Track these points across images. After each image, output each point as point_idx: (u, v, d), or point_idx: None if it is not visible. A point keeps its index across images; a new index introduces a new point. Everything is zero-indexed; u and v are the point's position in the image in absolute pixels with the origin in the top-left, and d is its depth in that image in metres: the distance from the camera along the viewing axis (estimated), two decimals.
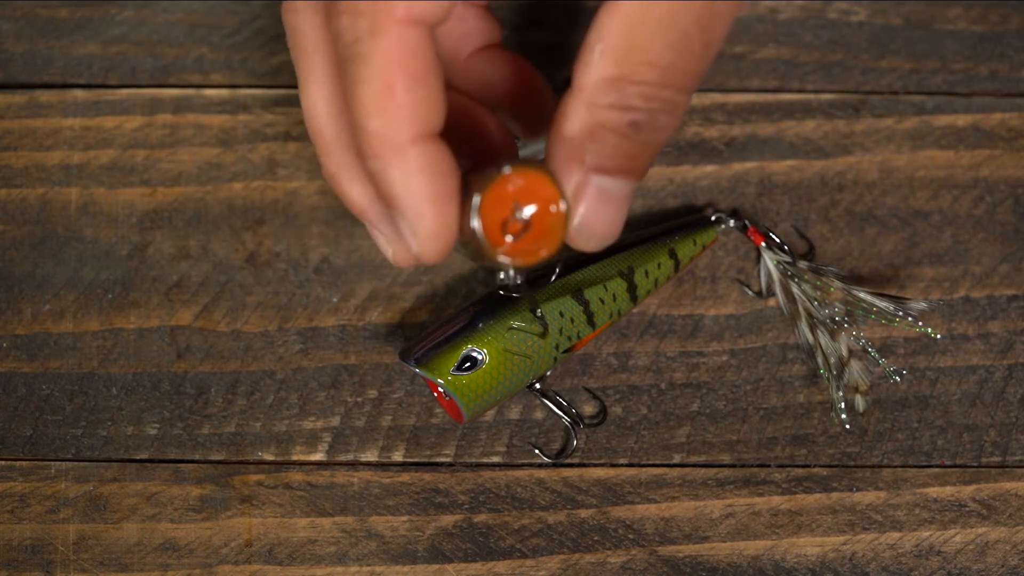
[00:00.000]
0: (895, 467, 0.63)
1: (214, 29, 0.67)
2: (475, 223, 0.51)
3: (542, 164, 0.52)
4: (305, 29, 0.53)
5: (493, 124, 0.57)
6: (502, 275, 0.56)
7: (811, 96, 0.66)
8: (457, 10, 0.58)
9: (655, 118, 0.52)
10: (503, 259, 0.52)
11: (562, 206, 0.52)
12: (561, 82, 0.66)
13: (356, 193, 0.54)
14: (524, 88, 0.59)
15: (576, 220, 0.53)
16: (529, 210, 0.51)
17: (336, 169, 0.54)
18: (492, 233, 0.51)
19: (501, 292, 0.60)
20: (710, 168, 0.66)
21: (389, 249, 0.55)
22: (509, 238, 0.52)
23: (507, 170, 0.51)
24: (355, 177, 0.54)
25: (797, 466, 0.63)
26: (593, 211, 0.53)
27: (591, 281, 0.62)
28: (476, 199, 0.51)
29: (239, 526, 0.62)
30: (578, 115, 0.52)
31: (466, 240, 0.52)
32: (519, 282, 0.56)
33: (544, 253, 0.52)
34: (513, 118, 0.59)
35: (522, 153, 0.61)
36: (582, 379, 0.64)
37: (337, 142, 0.54)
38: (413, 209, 0.51)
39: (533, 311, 0.61)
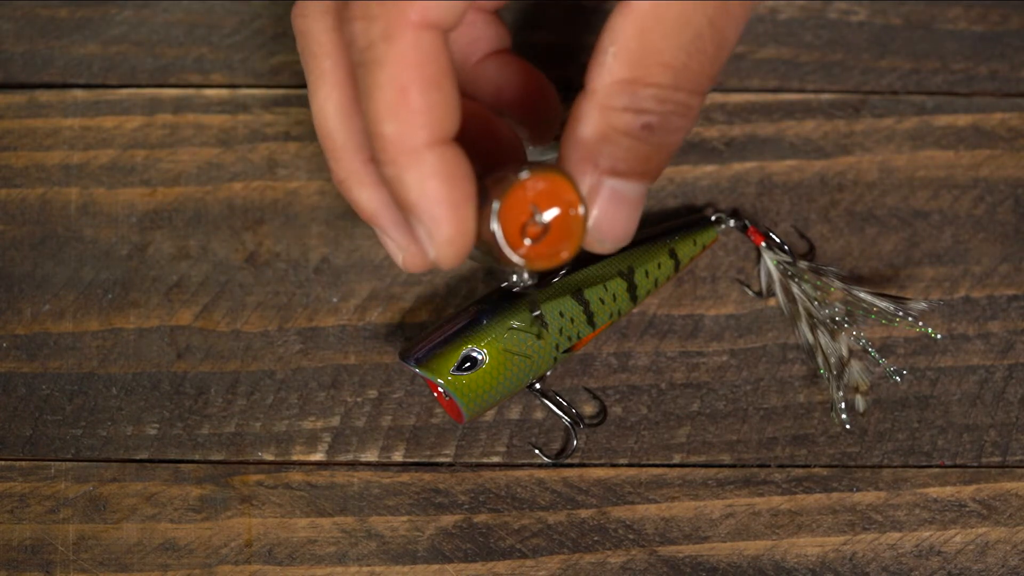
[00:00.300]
0: (895, 467, 0.63)
1: (214, 29, 0.67)
2: (495, 227, 0.51)
3: (560, 168, 0.52)
4: (314, 34, 0.53)
5: (503, 129, 0.57)
6: (515, 278, 0.56)
7: (811, 96, 0.66)
8: (467, 15, 0.58)
9: (669, 120, 0.51)
10: (521, 263, 0.52)
11: (580, 209, 0.52)
12: (561, 82, 0.66)
13: (366, 198, 0.54)
14: (533, 94, 0.59)
15: (589, 222, 0.53)
16: (550, 214, 0.51)
17: (346, 175, 0.54)
18: (511, 237, 0.51)
19: (514, 290, 0.60)
20: (710, 168, 0.66)
21: (399, 255, 0.55)
22: (528, 242, 0.52)
23: (525, 174, 0.51)
24: (366, 182, 0.54)
25: (797, 466, 0.63)
26: (607, 213, 0.53)
27: (591, 281, 0.62)
28: (496, 204, 0.51)
29: (239, 526, 0.62)
30: (591, 118, 0.51)
31: (482, 244, 0.52)
32: (531, 284, 0.57)
33: (565, 255, 0.52)
34: (521, 124, 0.59)
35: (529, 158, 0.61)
36: (582, 379, 0.64)
37: (347, 147, 0.54)
38: (430, 214, 0.50)
39: (533, 311, 0.60)
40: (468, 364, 0.60)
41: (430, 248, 0.51)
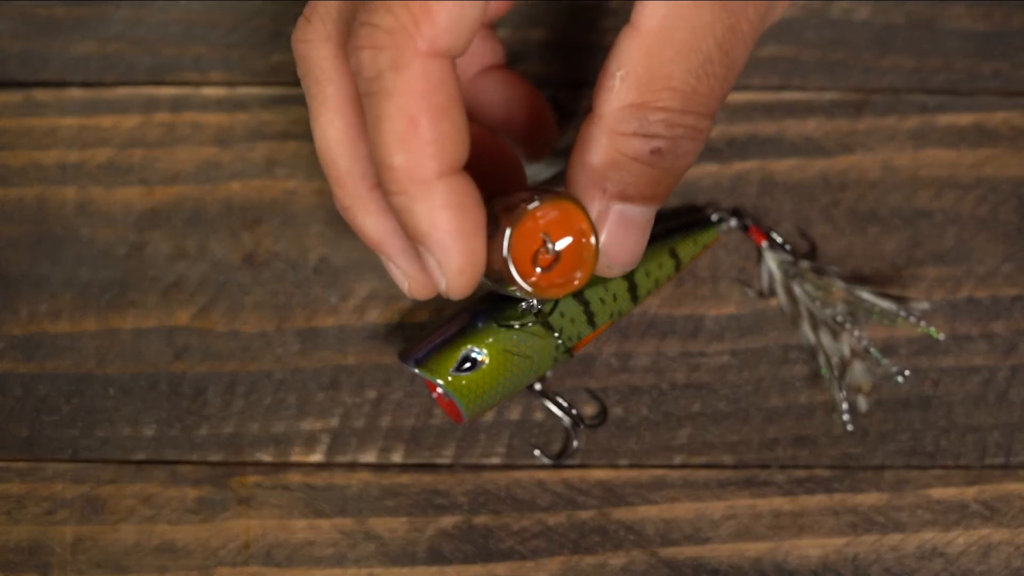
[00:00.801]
0: (897, 468, 0.62)
1: (212, 27, 0.67)
2: (507, 257, 0.51)
3: (571, 195, 0.52)
4: (317, 59, 0.53)
5: (504, 148, 0.57)
6: (524, 305, 0.56)
7: (813, 95, 0.66)
8: None
9: (678, 144, 0.51)
10: (531, 292, 0.52)
11: (593, 238, 0.52)
12: (562, 82, 0.66)
13: (372, 225, 0.54)
14: (529, 110, 0.59)
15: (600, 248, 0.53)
16: (563, 243, 0.51)
17: (351, 201, 0.54)
18: (523, 266, 0.51)
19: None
20: (711, 167, 0.65)
21: (406, 283, 0.55)
22: (539, 270, 0.52)
23: (536, 203, 0.51)
24: (371, 210, 0.54)
25: (799, 467, 0.62)
26: (615, 237, 0.53)
27: (591, 281, 0.62)
28: (507, 233, 0.51)
29: (237, 528, 0.62)
30: (600, 143, 0.51)
31: (492, 273, 0.52)
32: (539, 310, 0.57)
33: (577, 284, 0.52)
34: (517, 140, 0.59)
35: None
36: (582, 380, 0.63)
37: (352, 174, 0.53)
38: (441, 244, 0.50)
39: (535, 311, 0.60)
40: (468, 365, 0.59)
41: (441, 279, 0.51)
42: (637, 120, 0.50)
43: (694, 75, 0.50)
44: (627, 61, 0.50)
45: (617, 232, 0.53)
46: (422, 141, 0.49)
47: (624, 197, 0.52)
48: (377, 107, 0.49)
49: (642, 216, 0.53)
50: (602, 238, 0.53)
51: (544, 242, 0.51)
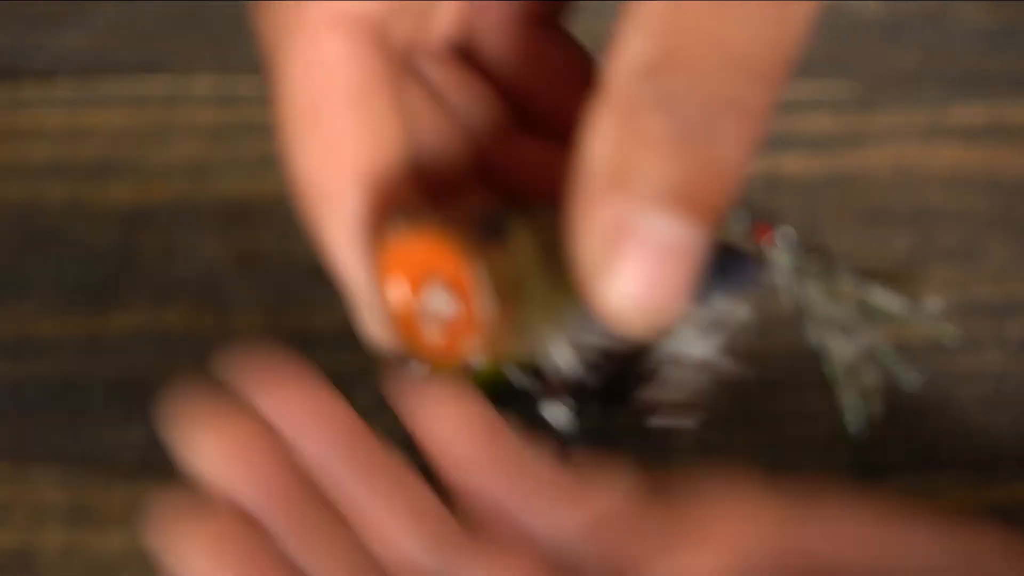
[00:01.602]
0: (908, 472, 0.62)
1: (204, 20, 0.67)
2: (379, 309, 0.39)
3: (445, 224, 0.35)
4: None
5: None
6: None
7: (821, 90, 0.66)
8: None
9: (715, 122, 0.34)
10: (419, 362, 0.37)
11: (476, 292, 0.33)
12: None
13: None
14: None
15: (613, 290, 0.34)
16: (437, 298, 0.36)
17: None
18: (406, 326, 0.38)
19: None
20: None
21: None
22: (435, 332, 0.36)
23: (403, 227, 0.35)
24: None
25: (808, 471, 0.62)
26: (638, 269, 0.34)
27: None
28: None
29: None
30: (606, 125, 0.34)
31: None
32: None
33: (467, 353, 0.36)
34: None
35: None
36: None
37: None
38: (349, 283, 0.41)
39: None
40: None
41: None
42: (656, 85, 0.33)
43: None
44: (646, 6, 0.33)
45: (640, 260, 0.34)
46: (326, 136, 0.40)
47: (645, 204, 0.34)
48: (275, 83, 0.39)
49: (677, 237, 0.34)
50: (622, 269, 0.34)
51: (422, 288, 0.36)
